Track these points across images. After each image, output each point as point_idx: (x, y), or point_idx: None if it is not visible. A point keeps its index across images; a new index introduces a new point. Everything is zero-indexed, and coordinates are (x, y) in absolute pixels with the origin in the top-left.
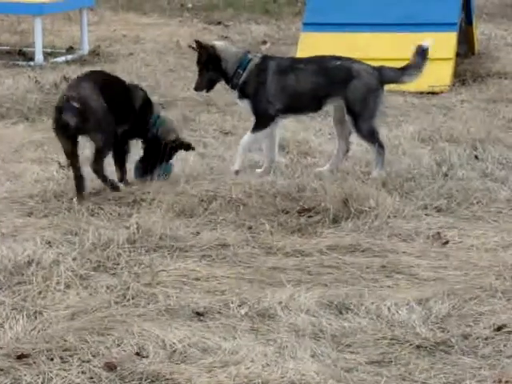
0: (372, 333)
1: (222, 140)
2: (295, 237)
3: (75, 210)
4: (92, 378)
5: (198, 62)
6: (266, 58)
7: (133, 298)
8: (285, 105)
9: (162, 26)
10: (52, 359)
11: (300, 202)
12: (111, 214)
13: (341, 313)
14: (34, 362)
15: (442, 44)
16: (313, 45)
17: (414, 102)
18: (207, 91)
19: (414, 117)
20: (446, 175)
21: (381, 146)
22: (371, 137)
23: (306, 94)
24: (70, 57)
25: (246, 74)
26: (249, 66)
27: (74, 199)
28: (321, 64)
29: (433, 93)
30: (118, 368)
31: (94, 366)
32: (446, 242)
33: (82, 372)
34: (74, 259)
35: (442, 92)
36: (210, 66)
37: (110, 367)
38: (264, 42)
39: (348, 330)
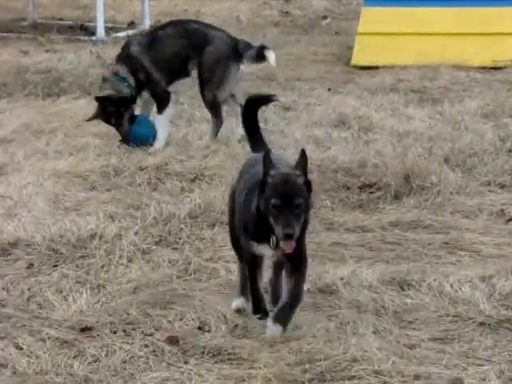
0: (434, 309)
1: (282, 115)
2: (356, 213)
3: (137, 185)
4: (154, 351)
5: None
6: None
7: (194, 273)
8: (166, 76)
9: (222, 0)
10: (115, 332)
11: (361, 177)
12: (173, 188)
13: (403, 289)
14: (98, 335)
15: (505, 18)
16: (374, 19)
17: (477, 77)
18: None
19: (477, 92)
20: (509, 151)
21: (219, 121)
22: (211, 107)
23: (174, 58)
24: (131, 32)
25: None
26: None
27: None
28: (180, 27)
29: (496, 68)
30: (181, 342)
31: (157, 340)
32: (510, 219)
33: (145, 345)
34: (136, 233)
35: (505, 67)
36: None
37: (173, 341)
38: (324, 17)
39: (410, 306)
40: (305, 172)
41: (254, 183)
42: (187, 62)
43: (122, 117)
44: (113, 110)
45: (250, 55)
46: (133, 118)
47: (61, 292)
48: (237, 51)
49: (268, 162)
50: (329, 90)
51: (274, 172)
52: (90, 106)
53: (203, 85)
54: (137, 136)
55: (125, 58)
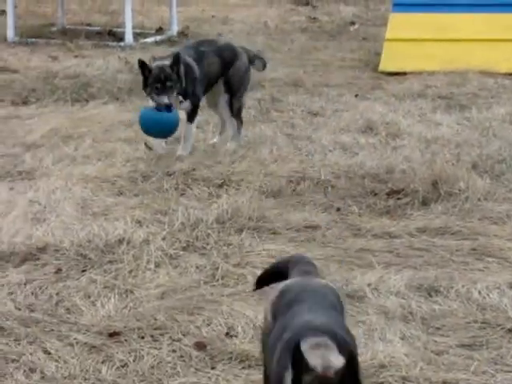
0: (462, 316)
1: (309, 121)
2: (384, 219)
3: (164, 190)
4: (182, 356)
5: None
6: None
7: (222, 278)
8: (205, 89)
9: (250, 6)
10: (143, 337)
11: (389, 183)
12: (200, 194)
13: (430, 295)
14: (126, 340)
15: None
16: (402, 25)
17: (505, 84)
18: None
19: (506, 98)
20: None
21: (242, 126)
22: (238, 115)
23: (213, 74)
24: (158, 37)
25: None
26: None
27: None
28: (214, 45)
29: None
30: (208, 347)
31: (185, 345)
32: None
33: (173, 351)
34: (163, 239)
35: None
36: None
37: (200, 346)
38: (352, 23)
39: (438, 312)
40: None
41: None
42: (220, 76)
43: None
44: None
45: (256, 64)
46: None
47: (89, 297)
48: (250, 61)
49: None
50: (356, 96)
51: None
52: (118, 111)
53: (232, 95)
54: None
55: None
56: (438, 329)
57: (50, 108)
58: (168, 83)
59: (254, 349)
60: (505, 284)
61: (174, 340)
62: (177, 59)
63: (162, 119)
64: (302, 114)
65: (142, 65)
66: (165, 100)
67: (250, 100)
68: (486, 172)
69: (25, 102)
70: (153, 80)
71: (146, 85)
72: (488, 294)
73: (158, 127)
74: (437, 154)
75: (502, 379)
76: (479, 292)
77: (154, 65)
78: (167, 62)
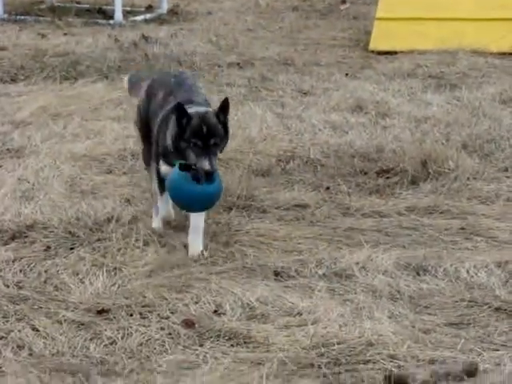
0: (450, 295)
1: (299, 100)
2: (373, 198)
3: None
4: (170, 334)
5: None
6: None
7: (211, 257)
8: None
9: None
10: (131, 315)
11: (378, 162)
12: None
13: (418, 274)
14: (114, 317)
15: None
16: (392, 4)
17: (496, 63)
18: None
19: (495, 78)
20: None
21: None
22: None
23: None
24: (148, 15)
25: None
26: None
27: None
28: None
29: None
30: (196, 325)
31: (173, 323)
32: None
33: (161, 328)
34: (151, 217)
35: None
36: None
37: (189, 324)
38: (343, 2)
39: (426, 291)
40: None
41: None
42: None
43: None
44: None
45: None
46: None
47: (77, 274)
48: None
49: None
50: (346, 75)
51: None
52: (107, 90)
53: None
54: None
55: None
56: (426, 307)
57: (39, 86)
58: (213, 140)
59: (243, 327)
60: (493, 263)
61: (162, 317)
62: (226, 105)
63: (204, 194)
64: (292, 92)
65: (181, 111)
66: (206, 165)
67: (239, 79)
68: (476, 151)
69: (13, 80)
70: (192, 134)
71: (179, 137)
72: (476, 273)
73: (197, 204)
74: (426, 134)
75: (489, 357)
76: (467, 271)
77: (192, 111)
78: (210, 109)
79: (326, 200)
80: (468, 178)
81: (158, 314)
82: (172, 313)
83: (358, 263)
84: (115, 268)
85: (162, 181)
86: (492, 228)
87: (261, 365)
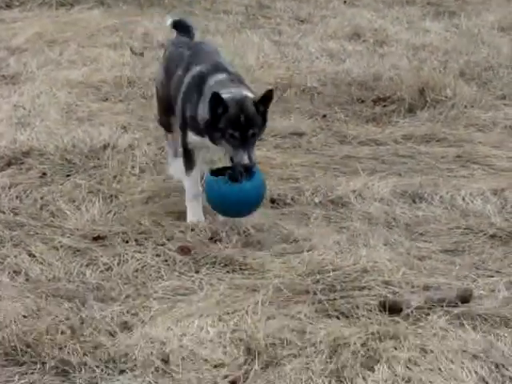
0: (446, 222)
1: (297, 28)
2: (370, 126)
3: (150, 96)
4: (166, 260)
5: None
6: None
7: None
8: None
9: None
10: (127, 241)
11: (375, 91)
12: None
13: (414, 202)
14: (110, 244)
15: None
16: None
17: None
18: None
19: (495, 5)
20: None
21: None
22: None
23: None
24: None
25: None
26: None
27: None
28: None
29: None
30: (192, 252)
31: (169, 250)
32: None
33: (157, 255)
34: (148, 144)
35: None
36: None
37: (184, 251)
38: None
39: (421, 218)
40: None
41: None
42: None
43: None
44: None
45: None
46: None
47: (73, 201)
48: None
49: None
50: (344, 2)
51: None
52: (103, 16)
53: None
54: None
55: None
56: (421, 234)
57: (35, 12)
58: (251, 131)
59: (238, 254)
60: (489, 190)
61: (158, 244)
62: (269, 96)
63: (243, 196)
64: (290, 20)
65: (216, 98)
66: (245, 159)
67: (237, 6)
68: (473, 79)
69: (8, 6)
70: (228, 124)
71: (213, 126)
72: (472, 201)
73: (237, 207)
74: (424, 61)
75: (483, 283)
76: (463, 198)
77: (228, 96)
78: (250, 95)
79: (323, 128)
80: (465, 106)
81: (154, 241)
82: (168, 240)
83: (354, 191)
84: (111, 195)
85: (191, 154)
86: (489, 156)
87: (256, 291)
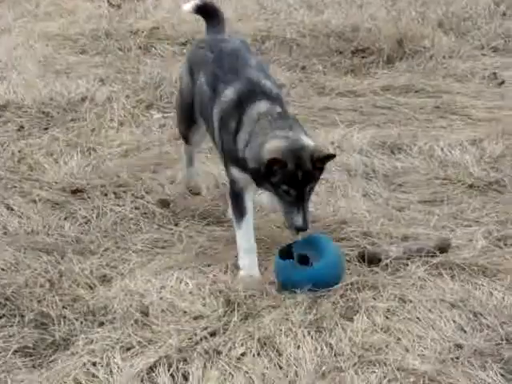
0: (424, 173)
1: None
2: (348, 77)
3: (128, 49)
4: (145, 213)
5: None
6: None
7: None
8: None
9: None
10: (106, 195)
11: (354, 42)
12: (164, 52)
13: (393, 153)
14: (89, 197)
15: None
16: None
17: None
18: None
19: None
20: (504, 14)
21: None
22: None
23: None
24: None
25: None
26: None
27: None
28: None
29: None
30: (171, 204)
31: (148, 202)
32: (502, 82)
33: (136, 208)
34: (127, 97)
35: None
36: None
37: (163, 204)
38: None
39: (400, 169)
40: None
41: None
42: None
43: None
44: None
45: None
46: None
47: (51, 155)
48: None
49: None
50: None
51: None
52: None
53: None
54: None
55: None
56: (400, 185)
57: None
58: (308, 187)
59: (218, 207)
60: (467, 141)
61: (136, 197)
62: (333, 157)
63: (318, 279)
64: None
65: (273, 162)
66: (299, 221)
67: None
68: (452, 29)
69: None
70: (283, 181)
71: (264, 179)
72: (450, 151)
73: (321, 284)
74: (402, 12)
75: (462, 233)
76: (441, 149)
77: (283, 148)
78: (306, 142)
79: (302, 80)
80: (444, 57)
81: (133, 194)
82: (147, 192)
83: (333, 142)
84: (89, 148)
85: (240, 197)
86: (467, 106)
87: (235, 243)
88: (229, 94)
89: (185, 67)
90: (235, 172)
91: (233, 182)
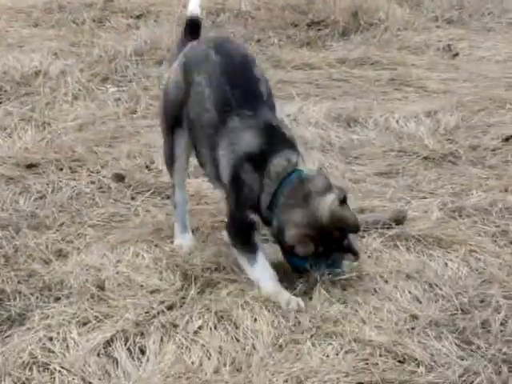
0: (380, 145)
1: None
2: (304, 50)
3: (82, 22)
4: (101, 188)
5: None
6: None
7: (141, 111)
8: None
9: None
10: (61, 169)
11: (309, 14)
12: (118, 25)
13: (349, 125)
14: (44, 172)
15: None
16: None
17: None
18: None
19: None
20: None
21: None
22: None
23: None
24: None
25: None
26: None
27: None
28: None
29: None
30: (127, 179)
31: (103, 177)
32: (457, 54)
33: (92, 182)
34: (81, 71)
35: None
36: None
37: (119, 178)
38: None
39: (356, 142)
40: None
41: None
42: None
43: None
44: None
45: None
46: None
47: (5, 129)
48: None
49: None
50: None
51: None
52: None
53: None
54: None
55: None
56: (356, 158)
57: None
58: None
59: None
60: (422, 113)
61: (92, 172)
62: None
63: None
64: None
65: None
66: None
67: None
68: (406, 1)
69: None
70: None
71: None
72: (406, 123)
73: None
74: None
75: (417, 205)
76: (397, 121)
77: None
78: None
79: (257, 52)
80: (398, 29)
81: (88, 168)
82: (102, 167)
83: (289, 115)
84: (44, 123)
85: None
86: (422, 78)
87: (192, 216)
88: (244, 137)
89: (178, 65)
90: (250, 215)
91: (248, 223)
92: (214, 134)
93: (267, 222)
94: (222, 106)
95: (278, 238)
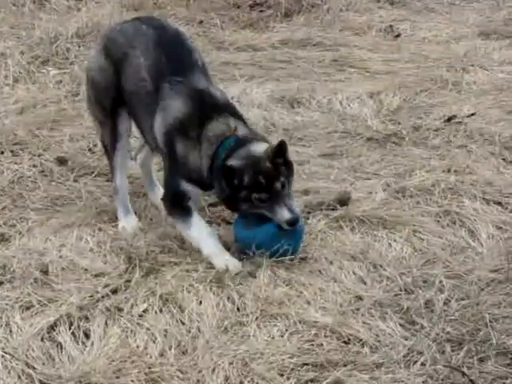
0: (323, 126)
1: None
2: (247, 31)
3: (22, 4)
4: (43, 171)
5: None
6: None
7: (83, 94)
8: None
9: None
10: (2, 153)
11: None
12: (59, 7)
13: (292, 107)
14: None
15: None
16: None
17: None
18: None
19: None
20: None
21: None
22: None
23: None
24: None
25: None
26: None
27: None
28: None
29: None
30: (70, 162)
31: (45, 160)
32: (398, 35)
33: (34, 165)
34: (21, 53)
35: None
36: None
37: (62, 161)
38: None
39: (300, 123)
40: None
41: None
42: None
43: None
44: None
45: None
46: None
47: None
48: None
49: None
50: None
51: None
52: None
53: None
54: None
55: None
56: (300, 139)
57: None
58: (278, 184)
59: None
60: (365, 94)
61: (34, 155)
62: (283, 149)
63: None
64: None
65: (226, 171)
66: (286, 215)
67: None
68: None
69: None
70: (250, 190)
71: (236, 197)
72: (349, 105)
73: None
74: None
75: (361, 186)
76: (340, 103)
77: (237, 161)
78: (259, 149)
79: (200, 34)
80: (341, 10)
81: (30, 152)
82: (45, 150)
83: (232, 97)
84: None
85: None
86: (364, 59)
87: (138, 198)
88: (178, 103)
89: (97, 51)
90: (188, 186)
91: (182, 192)
92: (150, 102)
93: (210, 185)
94: (155, 74)
95: (222, 197)
